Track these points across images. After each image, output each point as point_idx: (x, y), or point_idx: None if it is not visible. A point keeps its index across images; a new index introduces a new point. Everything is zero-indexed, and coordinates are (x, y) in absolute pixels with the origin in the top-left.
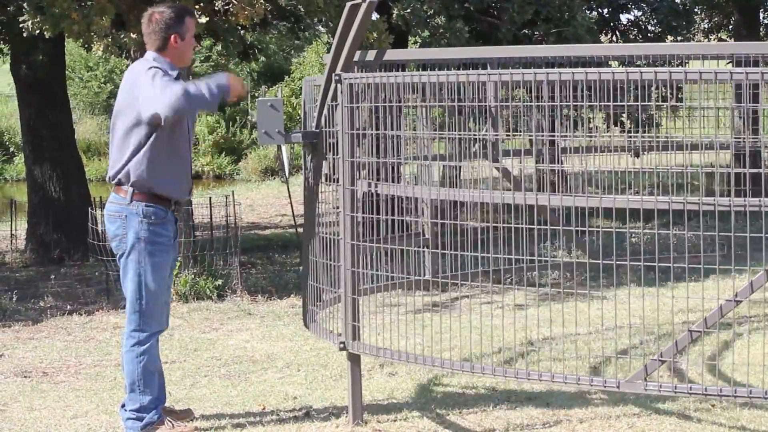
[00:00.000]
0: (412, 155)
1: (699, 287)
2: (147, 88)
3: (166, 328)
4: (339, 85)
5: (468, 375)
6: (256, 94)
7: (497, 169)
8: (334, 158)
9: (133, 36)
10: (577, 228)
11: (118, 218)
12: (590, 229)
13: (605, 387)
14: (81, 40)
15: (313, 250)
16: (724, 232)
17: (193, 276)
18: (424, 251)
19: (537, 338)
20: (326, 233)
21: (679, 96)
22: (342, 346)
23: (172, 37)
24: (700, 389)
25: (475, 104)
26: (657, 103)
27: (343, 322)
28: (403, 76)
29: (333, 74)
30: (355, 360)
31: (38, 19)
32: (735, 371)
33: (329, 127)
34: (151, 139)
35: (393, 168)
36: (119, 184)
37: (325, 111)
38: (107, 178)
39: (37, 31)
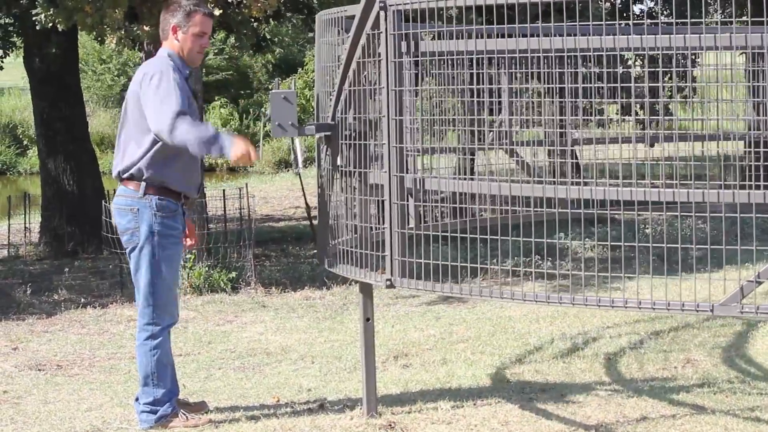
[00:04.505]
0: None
1: (713, 277)
2: (150, 95)
3: (177, 320)
4: (384, 12)
5: (481, 365)
6: (270, 87)
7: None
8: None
9: (146, 29)
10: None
11: (130, 212)
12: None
13: (698, 311)
14: (94, 33)
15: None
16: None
17: (207, 268)
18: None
19: (553, 331)
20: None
21: (693, 86)
22: (389, 283)
23: (172, 27)
24: None
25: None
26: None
27: (388, 259)
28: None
29: (377, 2)
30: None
31: (51, 12)
32: None
33: (366, 57)
34: None
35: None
36: (130, 178)
37: (362, 40)
38: (116, 174)
39: (50, 24)
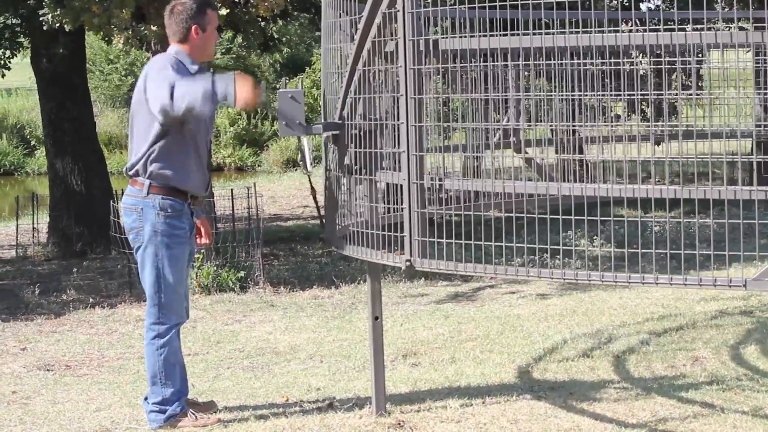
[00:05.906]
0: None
1: (721, 275)
2: (151, 85)
3: (186, 320)
4: None
5: (490, 363)
6: (278, 86)
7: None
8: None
9: (154, 28)
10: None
11: (134, 211)
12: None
13: (731, 286)
14: (101, 33)
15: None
16: (747, 220)
17: (215, 268)
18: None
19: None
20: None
21: (700, 84)
22: (408, 264)
23: (193, 28)
24: None
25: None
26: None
27: (407, 239)
28: None
29: None
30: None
31: (58, 13)
32: None
33: (382, 37)
34: (168, 131)
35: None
36: (135, 176)
37: (377, 19)
38: (124, 170)
39: (57, 25)
